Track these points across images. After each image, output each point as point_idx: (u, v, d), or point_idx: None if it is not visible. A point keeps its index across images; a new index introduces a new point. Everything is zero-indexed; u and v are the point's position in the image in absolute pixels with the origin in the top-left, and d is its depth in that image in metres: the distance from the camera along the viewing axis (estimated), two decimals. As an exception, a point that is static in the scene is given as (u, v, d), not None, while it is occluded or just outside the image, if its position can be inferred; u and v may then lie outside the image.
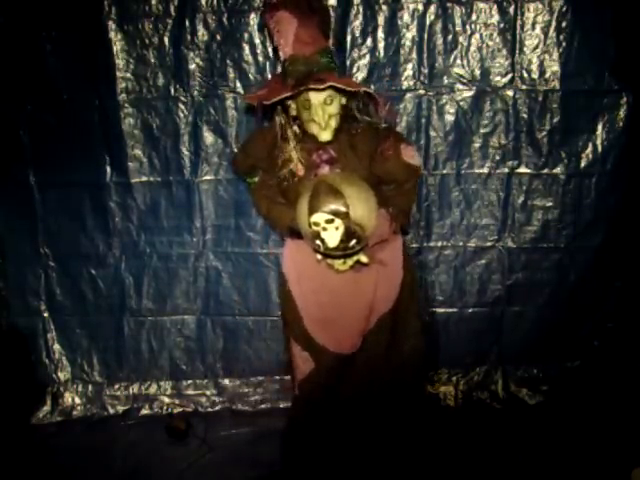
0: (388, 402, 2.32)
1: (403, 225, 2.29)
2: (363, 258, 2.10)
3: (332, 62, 2.11)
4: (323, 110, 2.04)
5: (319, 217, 1.96)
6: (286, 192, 2.19)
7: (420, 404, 2.49)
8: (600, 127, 2.70)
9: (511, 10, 2.58)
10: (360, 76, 2.62)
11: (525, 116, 2.68)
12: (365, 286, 2.20)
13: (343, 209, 1.94)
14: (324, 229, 1.97)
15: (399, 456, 2.36)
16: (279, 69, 2.53)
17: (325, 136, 2.09)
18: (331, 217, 1.95)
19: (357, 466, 2.36)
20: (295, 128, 2.15)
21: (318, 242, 1.99)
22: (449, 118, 2.69)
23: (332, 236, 1.97)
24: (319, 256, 2.09)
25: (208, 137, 2.72)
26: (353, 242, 1.98)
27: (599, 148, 2.72)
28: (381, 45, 2.61)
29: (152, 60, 2.64)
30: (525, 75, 2.64)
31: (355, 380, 2.30)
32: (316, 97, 2.03)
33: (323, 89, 2.00)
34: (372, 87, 2.50)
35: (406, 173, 2.18)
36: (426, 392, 2.75)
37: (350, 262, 2.10)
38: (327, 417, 2.36)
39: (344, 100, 2.10)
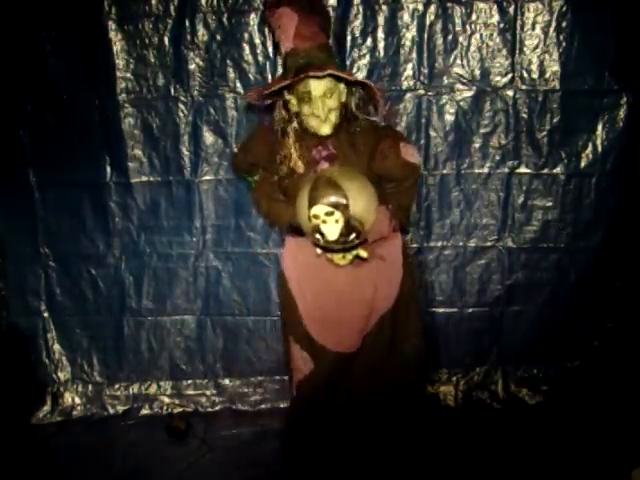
0: (388, 402, 2.32)
1: (403, 223, 2.28)
2: (363, 253, 2.09)
3: (331, 57, 2.11)
4: (323, 103, 2.04)
5: (319, 209, 1.96)
6: (287, 190, 2.19)
7: (420, 404, 2.49)
8: (600, 127, 2.70)
9: (511, 10, 2.58)
10: (360, 76, 2.61)
11: (525, 116, 2.68)
12: (365, 285, 2.19)
13: (343, 201, 1.94)
14: (324, 222, 1.97)
15: (398, 456, 2.35)
16: (280, 69, 2.55)
17: (325, 129, 2.09)
18: (331, 209, 1.94)
19: (357, 467, 2.36)
20: (295, 125, 2.16)
21: (318, 236, 1.99)
22: (449, 118, 2.69)
23: (332, 229, 1.97)
24: (319, 250, 2.09)
25: (208, 137, 2.72)
26: (353, 236, 1.98)
27: (599, 148, 2.72)
28: (381, 45, 2.61)
29: (152, 60, 2.64)
30: (525, 75, 2.64)
31: (356, 380, 2.30)
32: (316, 88, 2.02)
33: (323, 76, 1.99)
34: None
35: (405, 171, 2.18)
36: (426, 392, 2.75)
37: (350, 256, 2.10)
38: (327, 418, 2.36)
39: (344, 97, 2.11)
